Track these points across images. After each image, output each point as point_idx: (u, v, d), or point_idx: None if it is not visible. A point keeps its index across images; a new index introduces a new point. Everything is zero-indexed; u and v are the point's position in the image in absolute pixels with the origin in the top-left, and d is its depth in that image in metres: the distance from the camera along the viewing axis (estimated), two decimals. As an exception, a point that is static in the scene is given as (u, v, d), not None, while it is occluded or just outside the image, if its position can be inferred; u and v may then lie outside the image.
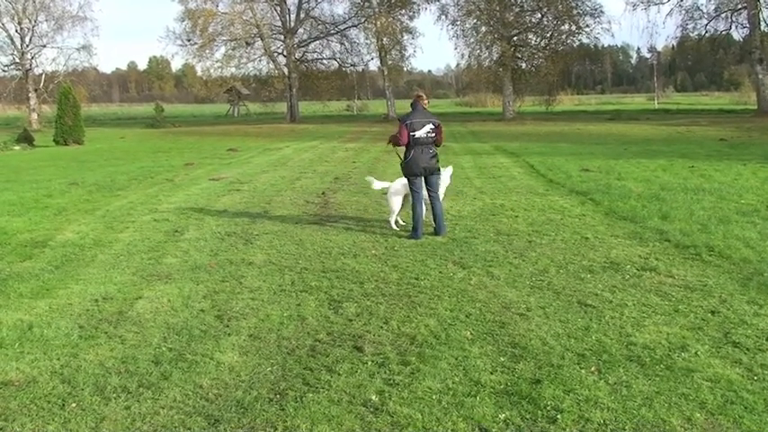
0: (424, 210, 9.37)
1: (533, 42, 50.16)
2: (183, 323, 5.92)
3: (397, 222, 9.94)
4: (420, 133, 9.08)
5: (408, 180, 9.35)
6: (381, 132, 36.16)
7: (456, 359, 4.97)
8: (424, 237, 9.15)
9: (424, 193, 9.37)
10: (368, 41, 56.39)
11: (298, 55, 56.25)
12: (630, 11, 59.74)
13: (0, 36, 50.04)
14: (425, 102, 9.46)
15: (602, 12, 48.15)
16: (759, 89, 44.51)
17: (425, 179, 9.30)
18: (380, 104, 63.68)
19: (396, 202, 9.82)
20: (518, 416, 4.11)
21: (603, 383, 4.49)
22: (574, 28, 48.40)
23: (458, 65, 60.43)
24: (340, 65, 58.51)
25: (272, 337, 5.52)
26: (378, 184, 10.34)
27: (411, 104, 9.43)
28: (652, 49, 69.41)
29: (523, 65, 50.83)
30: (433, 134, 9.18)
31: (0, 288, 7.10)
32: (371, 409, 4.23)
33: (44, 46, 51.23)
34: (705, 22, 48.04)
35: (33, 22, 50.24)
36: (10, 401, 4.45)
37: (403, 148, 9.32)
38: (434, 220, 9.40)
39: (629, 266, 7.41)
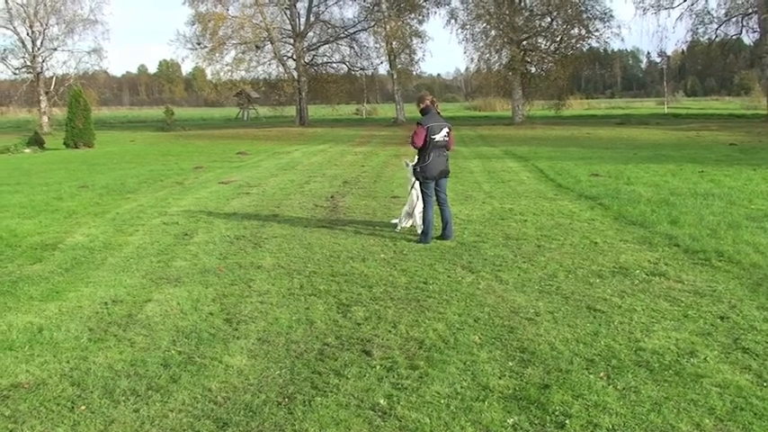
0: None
1: (543, 46, 50.12)
2: (192, 326, 5.94)
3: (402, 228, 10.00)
4: (438, 137, 9.05)
5: (423, 184, 9.28)
6: (390, 136, 36.23)
7: (464, 364, 4.96)
8: (432, 241, 9.14)
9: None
10: (377, 45, 56.47)
11: (307, 59, 56.36)
12: (640, 15, 59.43)
13: (11, 39, 50.51)
14: (437, 105, 9.44)
15: (611, 16, 48.20)
16: (770, 94, 44.37)
17: (437, 182, 9.30)
18: (390, 108, 63.76)
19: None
20: (526, 421, 4.10)
21: (612, 389, 4.48)
22: (583, 32, 48.37)
23: (467, 69, 60.60)
24: (349, 68, 58.59)
25: (280, 341, 5.53)
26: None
27: (423, 109, 9.27)
28: (662, 54, 69.22)
29: (533, 69, 50.80)
30: (447, 138, 9.18)
31: (10, 290, 7.13)
32: (380, 414, 4.23)
33: (55, 49, 51.49)
34: (715, 26, 48.04)
35: (44, 26, 50.47)
36: (20, 404, 4.47)
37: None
38: (443, 224, 9.40)
39: (638, 271, 7.39)
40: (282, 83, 56.99)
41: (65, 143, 31.38)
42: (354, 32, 56.45)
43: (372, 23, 54.29)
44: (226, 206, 12.84)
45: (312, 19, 55.79)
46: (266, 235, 9.91)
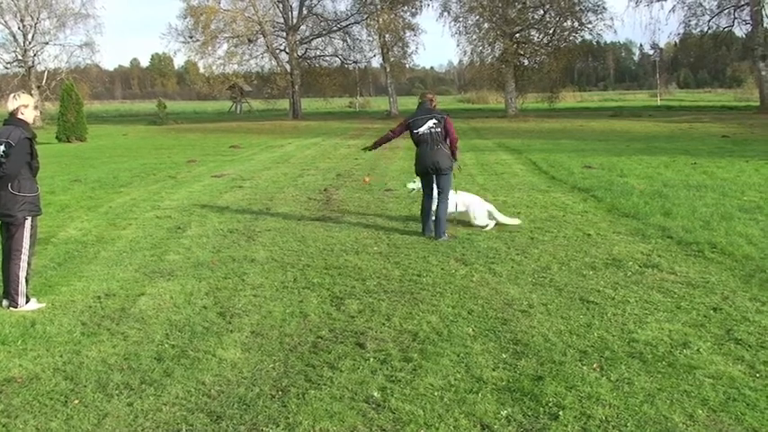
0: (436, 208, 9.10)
1: (536, 39, 50.10)
2: (185, 320, 5.93)
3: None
4: (422, 130, 8.94)
5: (420, 178, 9.31)
6: (383, 129, 35.98)
7: (458, 356, 4.97)
8: (430, 236, 9.04)
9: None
10: (370, 38, 56.55)
11: (300, 52, 56.27)
12: (633, 7, 59.22)
13: (2, 33, 50.33)
14: (430, 100, 9.28)
15: (604, 8, 48.02)
16: (762, 86, 44.46)
17: (435, 178, 9.07)
18: (383, 101, 63.70)
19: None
20: (520, 412, 4.11)
21: (605, 380, 4.49)
22: (576, 24, 48.41)
23: (460, 61, 60.18)
24: (342, 62, 58.54)
25: (274, 334, 5.52)
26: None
27: (418, 105, 9.39)
28: (654, 46, 69.51)
29: (526, 61, 50.81)
30: (435, 130, 8.87)
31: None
32: (373, 406, 4.23)
33: (47, 43, 51.39)
34: (707, 18, 48.01)
35: (36, 19, 50.34)
36: (13, 398, 4.46)
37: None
38: (434, 223, 9.07)
39: (631, 263, 7.40)
40: (275, 76, 56.82)
41: (57, 137, 31.27)
42: (347, 25, 56.44)
43: (365, 16, 54.25)
44: (219, 199, 12.82)
45: (305, 12, 55.72)
46: (259, 228, 9.89)
